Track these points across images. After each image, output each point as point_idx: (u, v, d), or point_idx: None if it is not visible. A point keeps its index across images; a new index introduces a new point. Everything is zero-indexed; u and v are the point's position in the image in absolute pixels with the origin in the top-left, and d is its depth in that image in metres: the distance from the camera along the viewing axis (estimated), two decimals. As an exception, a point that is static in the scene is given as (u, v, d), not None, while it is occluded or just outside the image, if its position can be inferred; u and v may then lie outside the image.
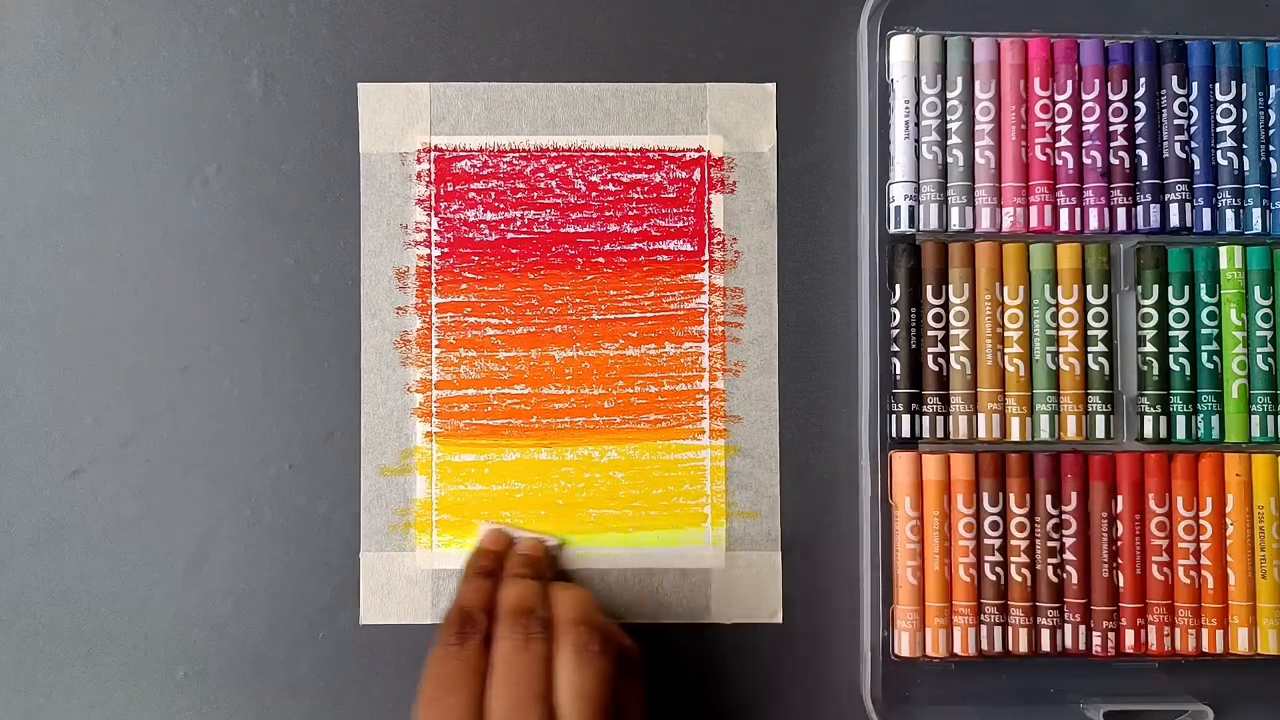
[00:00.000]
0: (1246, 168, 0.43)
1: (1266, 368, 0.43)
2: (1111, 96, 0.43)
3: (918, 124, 0.43)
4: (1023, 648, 0.42)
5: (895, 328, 0.43)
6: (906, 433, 0.43)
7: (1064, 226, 0.43)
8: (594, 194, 0.44)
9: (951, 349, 0.43)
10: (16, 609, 0.43)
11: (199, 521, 0.44)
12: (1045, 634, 0.42)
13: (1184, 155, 0.43)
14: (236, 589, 0.44)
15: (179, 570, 0.44)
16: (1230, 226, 0.43)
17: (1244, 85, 0.43)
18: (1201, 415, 0.43)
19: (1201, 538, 0.42)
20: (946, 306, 0.43)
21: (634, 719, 0.38)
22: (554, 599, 0.38)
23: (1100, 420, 0.43)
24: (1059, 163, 0.43)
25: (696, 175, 0.44)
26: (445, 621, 0.38)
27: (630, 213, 0.44)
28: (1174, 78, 0.43)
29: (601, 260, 0.44)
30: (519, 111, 0.44)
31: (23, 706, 0.43)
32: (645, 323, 0.44)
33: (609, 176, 0.44)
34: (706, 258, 0.44)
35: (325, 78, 0.44)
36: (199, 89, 0.44)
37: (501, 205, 0.44)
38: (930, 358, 0.43)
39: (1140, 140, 0.43)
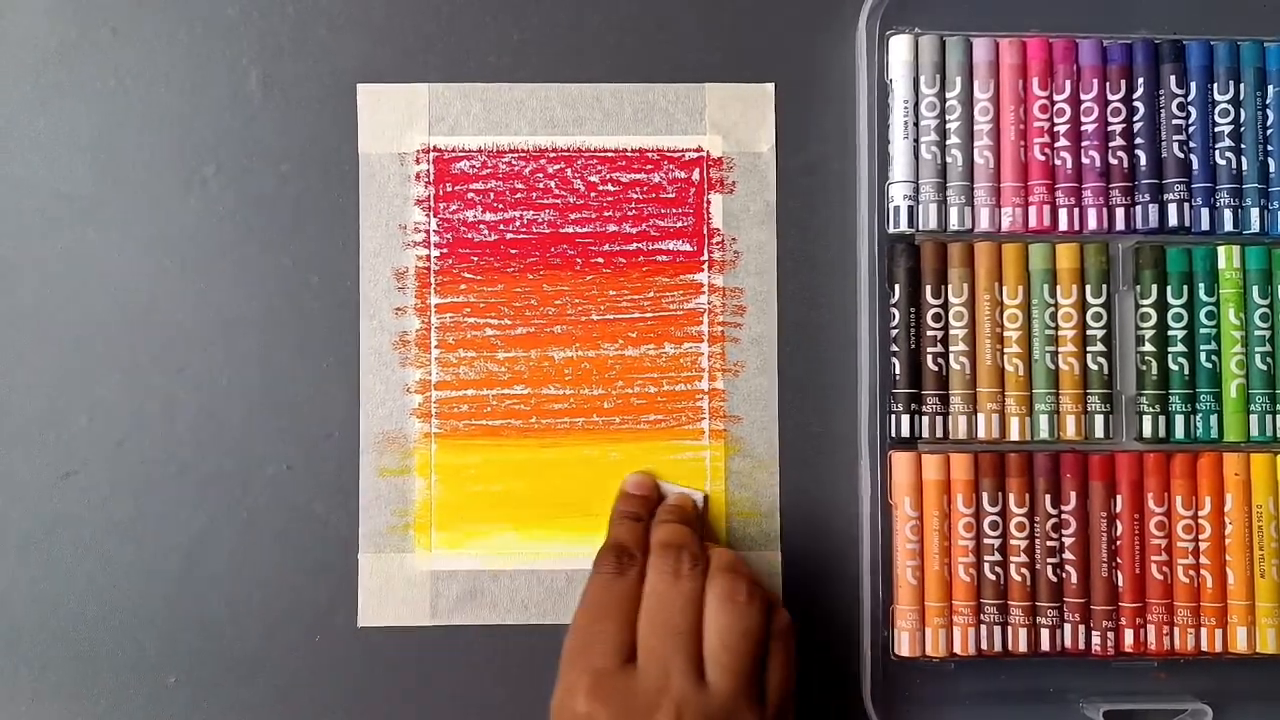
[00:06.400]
0: (1244, 167, 0.43)
1: (1265, 367, 0.43)
2: (1110, 96, 0.43)
3: (916, 124, 0.43)
4: (1022, 647, 0.42)
5: (894, 328, 0.43)
6: (906, 433, 0.43)
7: (1063, 226, 0.43)
8: (593, 194, 0.44)
9: (951, 349, 0.43)
10: (3, 612, 0.43)
11: (194, 523, 0.43)
12: (1045, 633, 0.42)
13: (1182, 155, 0.43)
14: (232, 591, 0.43)
15: (173, 573, 0.43)
16: (1228, 226, 0.43)
17: (1242, 85, 0.43)
18: (1200, 415, 0.43)
19: (1200, 537, 0.42)
20: (945, 306, 0.43)
21: (778, 683, 0.37)
22: (707, 548, 0.39)
23: (1099, 420, 0.43)
24: (1057, 163, 0.43)
25: (695, 175, 0.44)
26: (601, 554, 0.39)
27: (629, 213, 0.44)
28: (1172, 78, 0.43)
29: (601, 260, 0.44)
30: (518, 112, 0.44)
31: (6, 713, 0.43)
32: (645, 323, 0.44)
33: (608, 177, 0.44)
34: (706, 258, 0.44)
35: (324, 78, 0.44)
36: (197, 89, 0.44)
37: (500, 205, 0.44)
38: (929, 358, 0.43)
39: (1138, 140, 0.43)
